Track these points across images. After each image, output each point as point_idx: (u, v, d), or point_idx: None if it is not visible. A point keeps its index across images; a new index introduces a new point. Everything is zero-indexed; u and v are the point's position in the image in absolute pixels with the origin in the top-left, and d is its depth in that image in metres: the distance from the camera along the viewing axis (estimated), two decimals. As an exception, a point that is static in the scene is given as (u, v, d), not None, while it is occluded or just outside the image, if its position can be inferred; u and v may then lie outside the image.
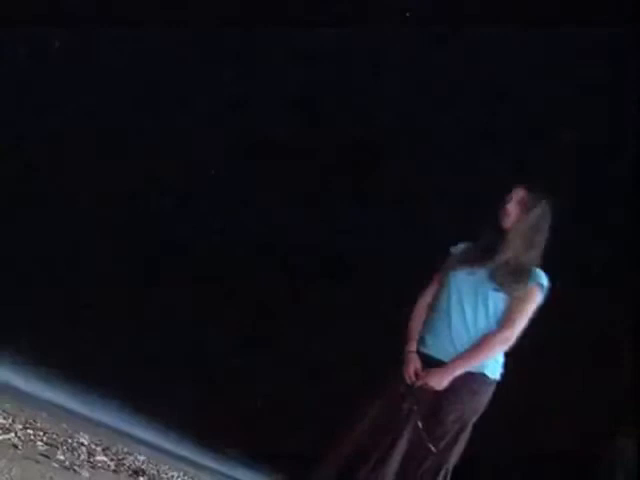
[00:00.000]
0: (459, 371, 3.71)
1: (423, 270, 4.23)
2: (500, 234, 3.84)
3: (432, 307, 3.97)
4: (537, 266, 3.81)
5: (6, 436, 3.88)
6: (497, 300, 3.75)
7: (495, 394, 3.84)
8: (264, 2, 10.25)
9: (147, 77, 10.68)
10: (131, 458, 5.92)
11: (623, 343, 9.85)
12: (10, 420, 4.60)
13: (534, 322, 3.82)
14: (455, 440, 3.74)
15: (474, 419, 3.78)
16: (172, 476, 6.10)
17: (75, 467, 3.80)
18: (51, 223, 10.30)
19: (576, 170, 9.41)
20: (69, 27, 10.17)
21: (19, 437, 4.03)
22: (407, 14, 9.90)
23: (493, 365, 3.81)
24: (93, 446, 5.36)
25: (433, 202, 10.40)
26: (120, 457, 5.56)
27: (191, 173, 11.09)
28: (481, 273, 3.80)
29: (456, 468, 3.80)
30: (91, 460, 4.50)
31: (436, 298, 3.97)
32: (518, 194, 3.87)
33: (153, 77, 10.70)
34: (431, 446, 3.66)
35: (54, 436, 4.85)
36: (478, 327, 3.75)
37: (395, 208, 10.83)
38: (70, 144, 10.46)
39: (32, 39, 10.22)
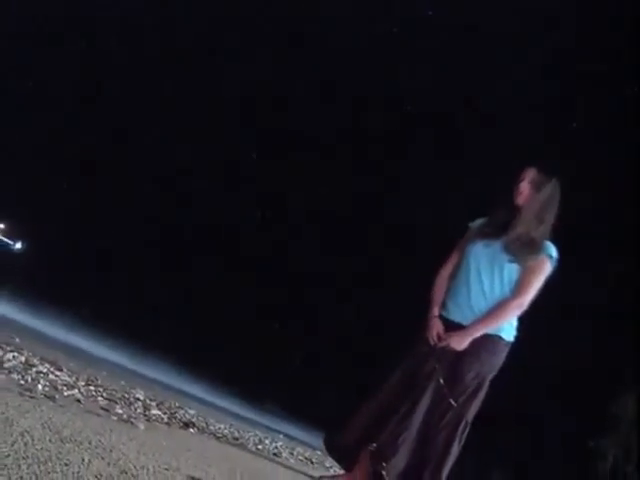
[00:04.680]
0: (477, 334, 3.76)
1: (445, 243, 4.22)
2: (513, 211, 3.86)
3: (453, 276, 4.00)
4: (547, 239, 3.78)
5: (71, 392, 3.92)
6: (511, 270, 3.77)
7: (509, 354, 3.85)
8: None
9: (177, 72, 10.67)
10: (182, 412, 5.97)
11: (625, 309, 9.80)
12: (74, 378, 4.64)
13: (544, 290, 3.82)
14: (474, 395, 3.79)
15: (491, 377, 3.82)
16: (219, 428, 6.13)
17: (132, 420, 3.83)
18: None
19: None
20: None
21: (82, 393, 4.07)
22: (429, 12, 9.84)
23: (508, 328, 3.84)
24: (148, 401, 5.41)
25: (454, 183, 10.38)
26: (172, 411, 5.60)
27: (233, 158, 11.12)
28: (497, 246, 3.81)
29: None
30: (146, 414, 4.53)
31: (456, 268, 4.00)
32: (530, 174, 3.84)
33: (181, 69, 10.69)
34: (452, 401, 3.71)
35: (113, 392, 4.89)
36: (494, 294, 3.78)
37: (422, 188, 10.83)
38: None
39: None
